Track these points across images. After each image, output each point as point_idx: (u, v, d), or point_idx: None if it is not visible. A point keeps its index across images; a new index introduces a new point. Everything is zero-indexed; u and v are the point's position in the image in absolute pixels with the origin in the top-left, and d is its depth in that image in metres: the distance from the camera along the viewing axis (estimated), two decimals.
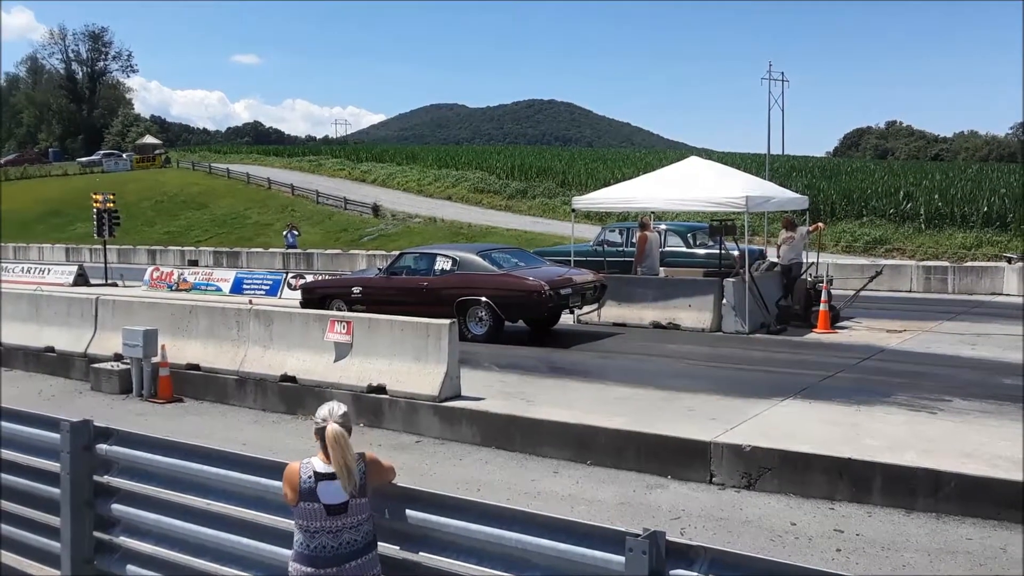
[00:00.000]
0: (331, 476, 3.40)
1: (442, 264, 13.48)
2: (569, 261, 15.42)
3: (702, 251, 17.98)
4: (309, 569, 3.41)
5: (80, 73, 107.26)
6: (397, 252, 18.40)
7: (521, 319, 13.74)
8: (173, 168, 67.93)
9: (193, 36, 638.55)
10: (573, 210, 17.19)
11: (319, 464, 3.45)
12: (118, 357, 10.96)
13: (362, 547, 3.46)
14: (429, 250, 14.81)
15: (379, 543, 3.58)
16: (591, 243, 19.54)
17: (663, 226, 18.76)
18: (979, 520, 5.84)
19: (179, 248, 39.27)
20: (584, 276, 13.70)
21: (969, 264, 23.14)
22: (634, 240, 16.95)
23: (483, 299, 12.81)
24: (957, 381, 9.69)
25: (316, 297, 14.69)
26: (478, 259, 13.43)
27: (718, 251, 15.71)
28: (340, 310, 13.27)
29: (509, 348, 12.27)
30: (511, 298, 12.76)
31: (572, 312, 14.13)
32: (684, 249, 18.23)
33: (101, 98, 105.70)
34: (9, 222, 49.40)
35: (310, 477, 3.42)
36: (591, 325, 14.51)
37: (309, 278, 19.60)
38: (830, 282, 14.61)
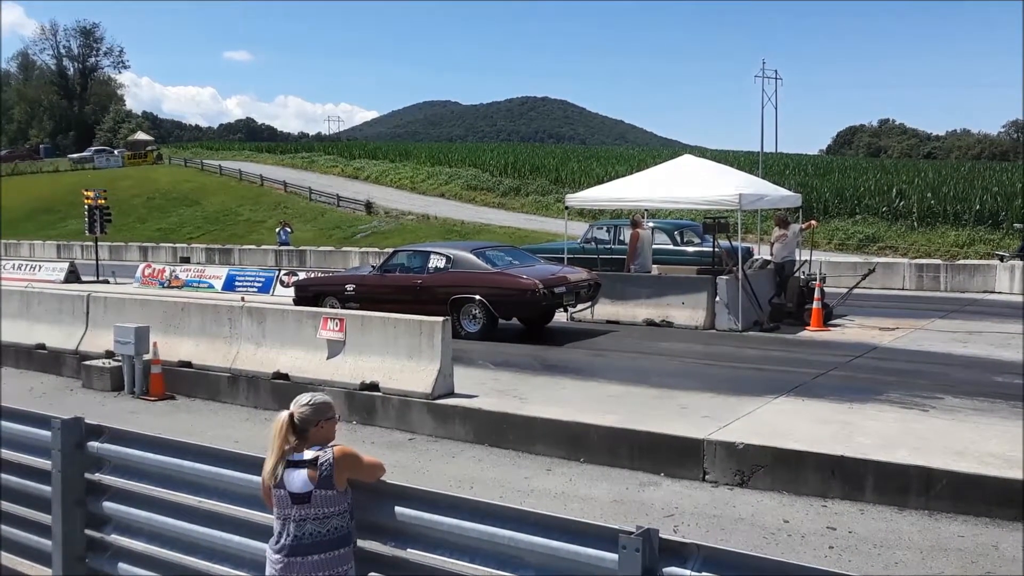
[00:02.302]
0: (298, 464, 3.41)
1: (436, 262, 13.47)
2: (557, 258, 15.41)
3: (690, 249, 18.00)
4: (276, 556, 3.45)
5: (71, 69, 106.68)
6: (391, 250, 18.36)
7: (515, 317, 13.75)
8: (165, 165, 67.67)
9: (185, 32, 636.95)
10: (566, 208, 17.18)
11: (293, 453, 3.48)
12: (110, 354, 10.92)
13: (328, 541, 3.42)
14: (423, 248, 14.79)
15: (371, 540, 3.56)
16: (579, 241, 19.55)
17: (651, 224, 18.77)
18: (971, 517, 5.85)
19: (171, 245, 39.10)
20: (578, 274, 13.71)
21: (961, 262, 23.18)
22: (622, 237, 16.95)
23: (477, 297, 12.80)
24: (949, 379, 9.72)
25: (309, 295, 14.66)
26: (472, 257, 13.42)
27: (708, 249, 15.73)
28: (333, 307, 13.25)
29: (503, 346, 12.27)
30: (505, 296, 12.76)
31: (566, 310, 14.14)
32: (671, 247, 18.25)
33: (92, 94, 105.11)
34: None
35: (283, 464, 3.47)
36: (584, 323, 14.52)
37: (302, 275, 19.52)
38: (823, 280, 14.64)
